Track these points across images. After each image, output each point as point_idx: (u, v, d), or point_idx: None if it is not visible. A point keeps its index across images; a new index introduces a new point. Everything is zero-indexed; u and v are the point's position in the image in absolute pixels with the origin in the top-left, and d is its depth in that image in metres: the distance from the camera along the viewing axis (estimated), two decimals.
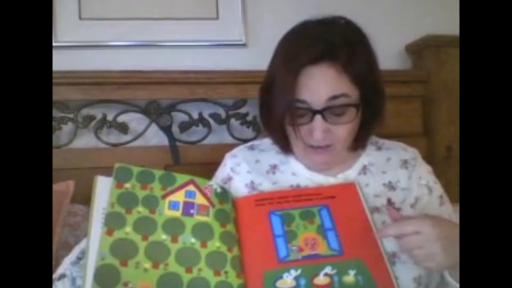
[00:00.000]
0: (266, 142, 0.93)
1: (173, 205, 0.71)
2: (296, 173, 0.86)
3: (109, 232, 0.65)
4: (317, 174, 0.85)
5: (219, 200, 0.75)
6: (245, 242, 0.72)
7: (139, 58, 1.38)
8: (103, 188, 0.70)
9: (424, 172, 0.86)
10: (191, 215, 0.71)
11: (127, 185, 0.71)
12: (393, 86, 1.31)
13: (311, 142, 0.78)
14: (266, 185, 0.85)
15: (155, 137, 1.35)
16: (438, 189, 0.86)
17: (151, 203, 0.71)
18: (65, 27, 1.34)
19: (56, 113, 1.26)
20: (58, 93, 1.22)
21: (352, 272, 0.67)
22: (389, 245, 0.71)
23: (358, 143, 0.84)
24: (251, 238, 0.72)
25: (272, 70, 0.81)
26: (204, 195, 0.74)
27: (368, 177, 0.84)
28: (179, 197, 0.73)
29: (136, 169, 0.74)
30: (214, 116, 1.35)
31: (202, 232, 0.69)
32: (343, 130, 0.77)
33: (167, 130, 1.31)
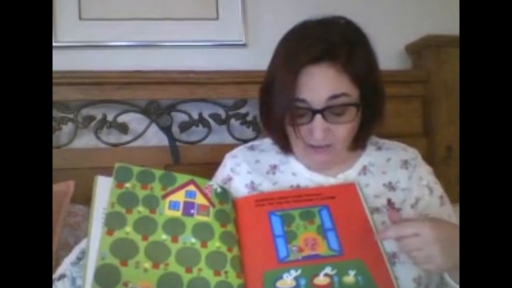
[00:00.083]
0: (266, 142, 0.93)
1: (174, 205, 0.71)
2: (296, 173, 0.86)
3: (109, 232, 0.65)
4: (317, 174, 0.84)
5: (219, 200, 0.75)
6: (245, 242, 0.72)
7: (139, 58, 1.38)
8: (103, 188, 0.70)
9: (424, 172, 0.86)
10: (192, 215, 0.71)
11: (128, 185, 0.71)
12: (393, 86, 1.31)
13: (311, 141, 0.78)
14: (266, 186, 0.85)
15: (155, 137, 1.35)
16: (438, 189, 0.86)
17: (152, 203, 0.71)
18: (65, 27, 1.34)
19: (56, 113, 1.26)
20: (58, 93, 1.22)
21: (352, 273, 0.67)
22: (389, 245, 0.71)
23: (358, 143, 0.84)
24: (251, 238, 0.72)
25: (272, 70, 0.81)
26: (205, 195, 0.75)
27: (368, 177, 0.84)
28: (179, 197, 0.73)
29: (136, 169, 0.74)
30: (214, 116, 1.35)
31: (202, 232, 0.69)
32: (343, 129, 0.77)
33: (167, 130, 1.31)
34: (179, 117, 1.34)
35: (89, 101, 1.27)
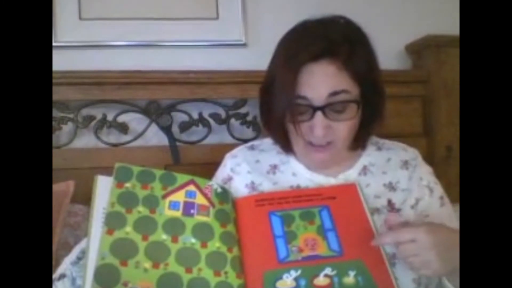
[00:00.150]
0: (266, 142, 0.93)
1: (174, 205, 0.71)
2: (296, 173, 0.86)
3: (109, 232, 0.65)
4: (318, 175, 0.84)
5: (219, 200, 0.75)
6: (245, 243, 0.72)
7: (139, 58, 1.38)
8: (103, 188, 0.70)
9: (424, 172, 0.86)
10: (191, 215, 0.71)
11: (128, 184, 0.71)
12: (393, 86, 1.31)
13: (312, 139, 0.78)
14: (266, 186, 0.85)
15: (155, 137, 1.35)
16: (438, 190, 0.86)
17: (152, 203, 0.71)
18: (65, 27, 1.34)
19: (56, 113, 1.26)
20: (58, 93, 1.22)
21: (352, 273, 0.67)
22: (389, 246, 0.71)
23: (358, 142, 0.84)
24: (251, 239, 0.72)
25: (272, 69, 0.81)
26: (205, 195, 0.75)
27: (369, 177, 0.84)
28: (179, 197, 0.73)
29: (136, 169, 0.74)
30: (214, 116, 1.35)
31: (202, 232, 0.69)
32: (344, 126, 0.77)
33: (167, 130, 1.31)
34: (179, 117, 1.34)
35: (89, 101, 1.27)
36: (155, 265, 0.64)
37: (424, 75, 1.44)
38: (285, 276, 0.67)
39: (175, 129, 1.33)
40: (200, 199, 0.74)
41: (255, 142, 0.95)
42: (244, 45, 1.44)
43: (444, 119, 1.42)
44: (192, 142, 1.33)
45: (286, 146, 0.85)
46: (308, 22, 0.79)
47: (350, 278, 0.66)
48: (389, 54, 1.48)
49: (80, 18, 1.35)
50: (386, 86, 0.82)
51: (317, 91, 0.74)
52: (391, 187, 0.83)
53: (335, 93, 0.74)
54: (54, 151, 1.22)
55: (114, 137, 1.32)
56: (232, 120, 1.36)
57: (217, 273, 0.65)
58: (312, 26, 0.78)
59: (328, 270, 0.67)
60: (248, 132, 1.37)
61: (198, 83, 1.31)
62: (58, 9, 1.33)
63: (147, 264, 0.64)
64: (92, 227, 0.66)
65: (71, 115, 1.27)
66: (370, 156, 0.87)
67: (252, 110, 1.35)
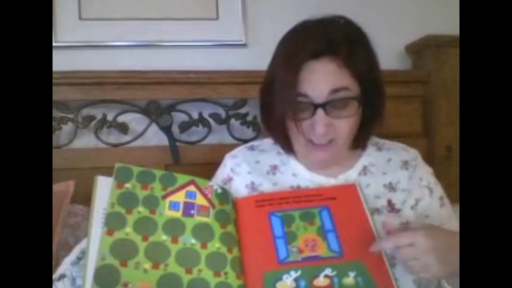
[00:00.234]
0: (266, 142, 0.93)
1: (174, 206, 0.71)
2: (296, 174, 0.86)
3: (109, 233, 0.65)
4: (318, 175, 0.84)
5: (219, 201, 0.75)
6: (245, 243, 0.72)
7: (139, 58, 1.38)
8: (104, 188, 0.70)
9: (424, 173, 0.86)
10: (192, 215, 0.71)
11: (128, 185, 0.71)
12: (393, 86, 1.31)
13: (313, 137, 0.77)
14: (266, 186, 0.85)
15: (155, 137, 1.35)
16: (438, 190, 0.86)
17: (152, 203, 0.71)
18: (65, 27, 1.34)
19: (56, 113, 1.26)
20: (58, 93, 1.22)
21: (352, 274, 0.67)
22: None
23: (358, 142, 0.84)
24: (251, 239, 0.72)
25: (272, 69, 0.81)
26: (205, 195, 0.74)
27: (369, 177, 0.84)
28: (179, 197, 0.73)
29: (136, 169, 0.74)
30: (214, 116, 1.35)
31: (202, 233, 0.69)
32: (345, 124, 0.77)
33: (167, 130, 1.31)
34: (179, 117, 1.34)
35: (89, 101, 1.27)
36: (155, 266, 0.64)
37: (424, 75, 1.44)
38: (285, 276, 0.67)
39: (175, 129, 1.33)
40: (200, 200, 0.73)
41: (255, 143, 0.95)
42: (244, 45, 1.44)
43: (444, 119, 1.42)
44: (192, 142, 1.33)
45: (286, 146, 0.85)
46: (308, 22, 0.79)
47: (350, 279, 0.66)
48: (389, 54, 1.48)
49: (80, 18, 1.35)
50: (386, 86, 0.82)
51: (318, 89, 0.74)
52: (391, 187, 0.83)
53: (336, 90, 0.74)
54: (54, 151, 1.22)
55: (114, 137, 1.32)
56: (232, 120, 1.36)
57: (217, 274, 0.65)
58: (312, 26, 0.78)
59: (328, 271, 0.67)
60: (248, 132, 1.37)
61: (198, 83, 1.31)
62: (58, 9, 1.33)
63: (147, 265, 0.64)
64: (92, 227, 0.65)
65: (71, 115, 1.27)
66: (370, 156, 0.87)
67: (252, 110, 1.35)
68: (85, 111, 1.28)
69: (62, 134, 1.29)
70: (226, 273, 0.66)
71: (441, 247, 0.64)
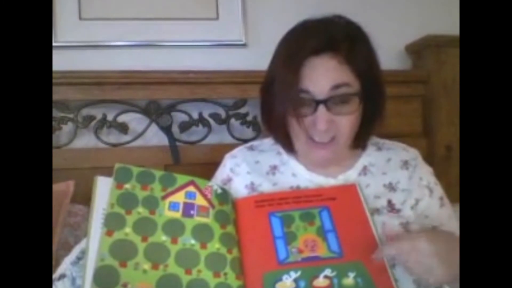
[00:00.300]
0: (266, 142, 0.93)
1: (173, 206, 0.71)
2: (296, 174, 0.86)
3: (109, 233, 0.65)
4: (317, 175, 0.84)
5: (219, 201, 0.75)
6: (245, 244, 0.72)
7: (139, 58, 1.38)
8: (103, 189, 0.70)
9: (424, 173, 0.86)
10: (191, 216, 0.71)
11: (127, 185, 0.71)
12: (393, 86, 1.31)
13: (314, 135, 0.77)
14: (266, 186, 0.85)
15: (155, 137, 1.35)
16: (438, 190, 0.86)
17: (151, 203, 0.71)
18: (65, 27, 1.34)
19: (56, 113, 1.26)
20: (58, 93, 1.22)
21: (351, 275, 0.67)
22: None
23: (358, 141, 0.84)
24: (251, 240, 0.72)
25: (272, 69, 0.81)
26: (204, 196, 0.74)
27: (369, 177, 0.84)
28: (179, 198, 0.73)
29: (136, 170, 0.74)
30: (214, 116, 1.35)
31: (202, 233, 0.69)
32: (346, 121, 0.76)
33: (167, 130, 1.31)
34: (179, 117, 1.34)
35: (89, 101, 1.27)
36: (155, 266, 0.64)
37: (424, 75, 1.44)
38: (284, 277, 0.67)
39: (175, 129, 1.33)
40: (200, 200, 0.73)
41: (255, 143, 0.95)
42: (244, 45, 1.44)
43: (444, 119, 1.42)
44: (192, 142, 1.33)
45: (287, 145, 0.85)
46: (308, 22, 0.79)
47: (349, 280, 0.66)
48: (389, 54, 1.48)
49: (80, 18, 1.35)
50: (386, 86, 0.82)
51: (319, 85, 0.74)
52: (391, 187, 0.83)
53: (337, 86, 0.74)
54: (54, 151, 1.22)
55: (114, 137, 1.32)
56: (232, 120, 1.36)
57: (216, 274, 0.65)
58: (312, 25, 0.79)
59: (327, 272, 0.67)
60: (248, 132, 1.37)
61: (198, 83, 1.31)
62: (58, 9, 1.33)
63: (147, 265, 0.63)
64: (91, 227, 0.65)
65: (71, 115, 1.27)
66: (370, 156, 0.87)
67: (252, 110, 1.35)
68: (85, 111, 1.28)
69: (62, 134, 1.29)
70: (225, 274, 0.66)
71: (443, 250, 0.64)
